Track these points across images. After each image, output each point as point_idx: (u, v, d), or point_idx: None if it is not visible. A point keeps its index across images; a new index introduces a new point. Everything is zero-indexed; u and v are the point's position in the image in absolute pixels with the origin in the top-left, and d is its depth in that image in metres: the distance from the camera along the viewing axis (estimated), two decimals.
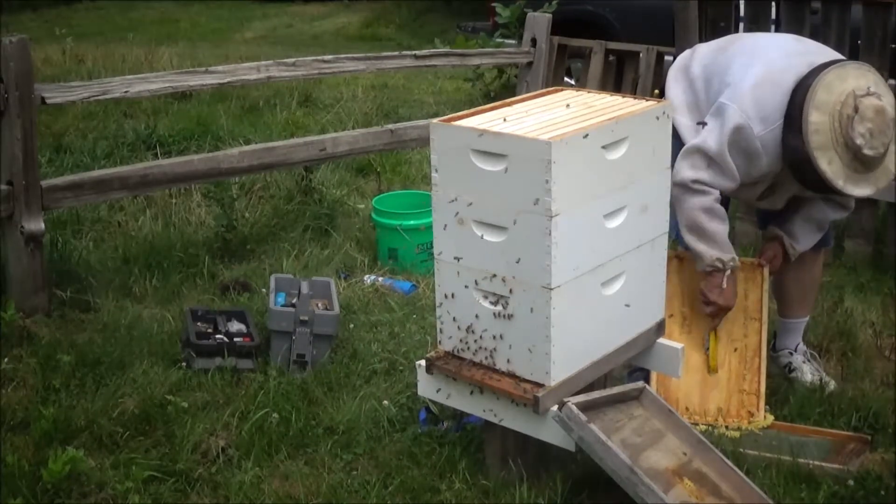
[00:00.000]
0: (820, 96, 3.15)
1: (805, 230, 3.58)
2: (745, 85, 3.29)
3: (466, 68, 7.83)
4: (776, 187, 3.46)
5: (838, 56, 3.41)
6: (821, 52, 3.42)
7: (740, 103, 3.26)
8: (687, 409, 3.50)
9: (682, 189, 3.33)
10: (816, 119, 3.14)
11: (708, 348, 3.53)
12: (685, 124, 3.46)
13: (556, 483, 2.96)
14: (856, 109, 3.13)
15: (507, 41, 7.76)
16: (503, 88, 7.97)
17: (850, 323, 4.16)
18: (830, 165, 3.16)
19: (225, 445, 3.29)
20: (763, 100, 3.25)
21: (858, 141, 3.13)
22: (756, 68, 3.32)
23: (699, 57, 3.57)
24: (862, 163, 3.17)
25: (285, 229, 5.22)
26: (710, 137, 3.30)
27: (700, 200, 3.32)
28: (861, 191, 3.25)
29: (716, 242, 3.36)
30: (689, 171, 3.32)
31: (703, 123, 3.38)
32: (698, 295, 3.50)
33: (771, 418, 3.45)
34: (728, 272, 3.39)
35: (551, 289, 2.74)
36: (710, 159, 3.30)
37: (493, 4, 8.18)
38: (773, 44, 3.53)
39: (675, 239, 3.57)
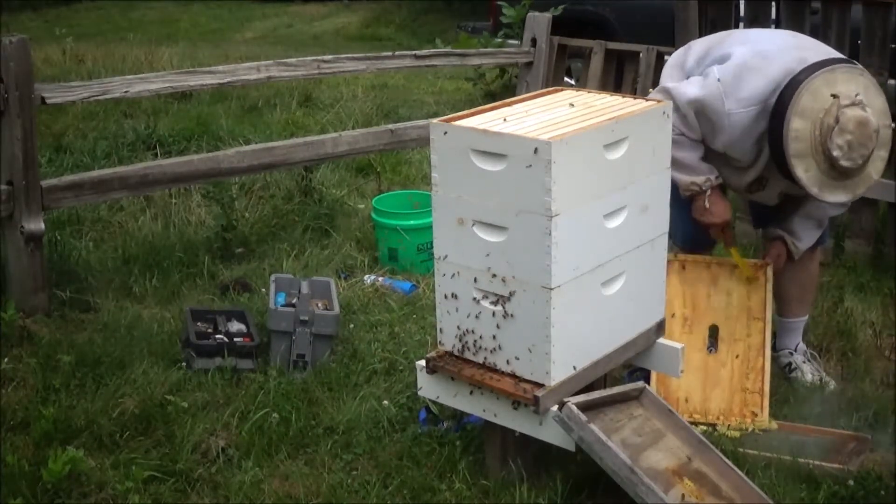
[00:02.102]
0: (804, 102, 3.14)
1: (805, 227, 3.58)
2: (732, 61, 3.33)
3: (466, 68, 7.82)
4: (765, 181, 3.47)
5: (833, 54, 3.38)
6: (815, 49, 3.41)
7: (723, 74, 3.30)
8: (687, 401, 3.49)
9: None
10: (798, 126, 3.14)
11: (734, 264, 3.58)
12: None
13: (556, 483, 2.96)
14: (837, 120, 3.11)
15: (510, 41, 7.76)
16: (504, 88, 7.97)
17: (850, 323, 4.16)
18: (807, 173, 3.16)
19: (225, 445, 3.29)
20: (744, 80, 3.27)
21: (836, 153, 3.12)
22: (746, 48, 3.36)
23: (694, 52, 3.58)
24: (840, 172, 3.16)
25: (285, 229, 5.21)
26: (686, 90, 3.35)
27: None
28: (836, 198, 3.24)
29: (687, 167, 3.41)
30: None
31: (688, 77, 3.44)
32: (700, 294, 3.52)
33: (775, 425, 3.43)
34: (707, 192, 3.43)
35: (551, 289, 2.74)
36: (677, 106, 3.34)
37: (499, 4, 8.18)
38: (768, 36, 3.59)
39: (670, 235, 3.57)
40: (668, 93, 3.37)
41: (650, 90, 6.05)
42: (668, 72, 3.61)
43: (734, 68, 3.30)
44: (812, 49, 3.39)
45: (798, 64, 3.25)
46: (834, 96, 3.12)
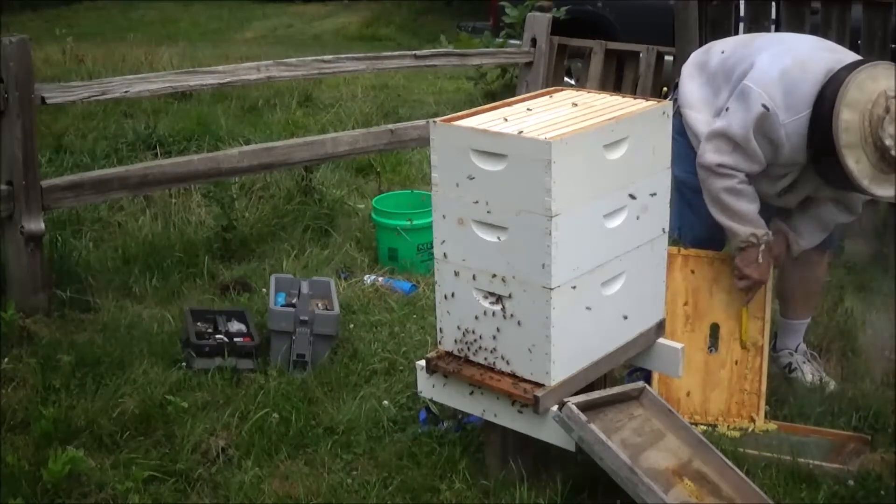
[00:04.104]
0: (852, 94, 3.14)
1: (810, 228, 3.56)
2: (772, 72, 3.28)
3: (467, 68, 7.82)
4: (796, 185, 3.46)
5: (861, 58, 3.39)
6: (846, 52, 3.43)
7: (766, 89, 3.25)
8: (689, 395, 3.48)
9: (706, 171, 3.35)
10: (847, 117, 3.14)
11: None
12: (702, 120, 3.44)
13: (556, 483, 2.96)
14: (887, 110, 3.13)
15: (512, 41, 7.76)
16: (504, 88, 7.97)
17: (850, 323, 4.16)
18: (857, 164, 3.16)
19: (225, 445, 3.29)
20: (791, 88, 3.24)
21: (888, 142, 3.13)
22: (785, 56, 3.33)
23: (717, 53, 3.55)
24: (888, 164, 3.16)
25: (285, 229, 5.21)
26: (735, 121, 3.29)
27: (724, 183, 3.33)
28: (884, 191, 3.24)
29: (746, 218, 3.37)
30: (713, 154, 3.32)
31: (726, 108, 3.37)
32: (702, 290, 3.52)
33: (773, 426, 3.43)
34: (762, 247, 3.39)
35: (551, 289, 2.74)
36: (735, 144, 3.30)
37: (502, 3, 8.19)
38: (800, 38, 3.59)
39: (678, 237, 3.57)
40: (724, 134, 3.29)
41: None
42: (687, 71, 3.58)
43: (777, 79, 3.25)
44: (841, 51, 3.42)
45: (836, 63, 3.26)
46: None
